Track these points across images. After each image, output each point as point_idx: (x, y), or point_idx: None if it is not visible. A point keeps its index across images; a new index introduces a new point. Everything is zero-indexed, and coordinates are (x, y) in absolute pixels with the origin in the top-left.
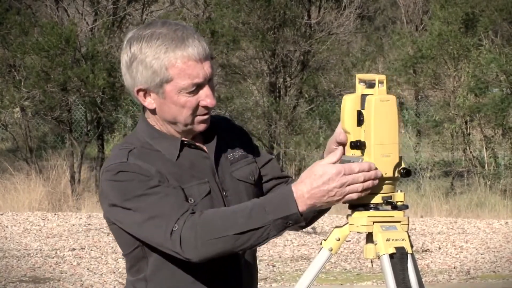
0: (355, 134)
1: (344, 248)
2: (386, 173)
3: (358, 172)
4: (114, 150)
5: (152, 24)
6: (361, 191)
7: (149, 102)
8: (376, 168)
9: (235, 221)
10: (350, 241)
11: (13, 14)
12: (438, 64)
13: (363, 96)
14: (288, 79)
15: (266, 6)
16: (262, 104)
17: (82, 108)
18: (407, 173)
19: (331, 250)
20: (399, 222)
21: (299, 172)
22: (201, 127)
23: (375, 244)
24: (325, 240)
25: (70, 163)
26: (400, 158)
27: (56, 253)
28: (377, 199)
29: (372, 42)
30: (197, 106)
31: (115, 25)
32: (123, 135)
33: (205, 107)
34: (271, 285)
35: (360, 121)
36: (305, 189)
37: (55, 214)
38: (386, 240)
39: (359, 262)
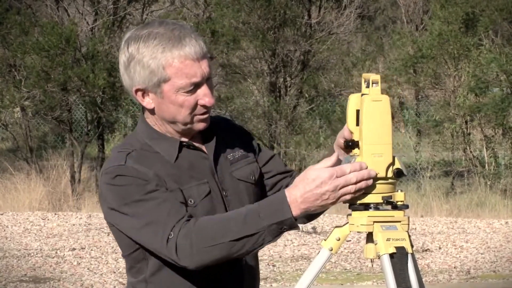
0: (356, 133)
1: (344, 248)
2: (378, 173)
3: (350, 173)
4: (113, 152)
5: (150, 24)
6: (354, 192)
7: (148, 102)
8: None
9: (229, 228)
10: (350, 240)
11: (13, 14)
12: (438, 64)
13: (362, 96)
14: (288, 79)
15: (267, 6)
16: (263, 104)
17: (83, 108)
18: (398, 173)
19: (331, 250)
20: (400, 222)
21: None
22: (200, 126)
23: (376, 244)
24: (325, 240)
25: (71, 163)
26: (394, 158)
27: (56, 253)
28: (377, 198)
29: (373, 42)
30: (196, 105)
31: (115, 25)
32: (123, 135)
33: (204, 106)
34: (271, 285)
35: (358, 120)
36: (298, 193)
37: (55, 214)
38: (387, 240)
39: (360, 262)
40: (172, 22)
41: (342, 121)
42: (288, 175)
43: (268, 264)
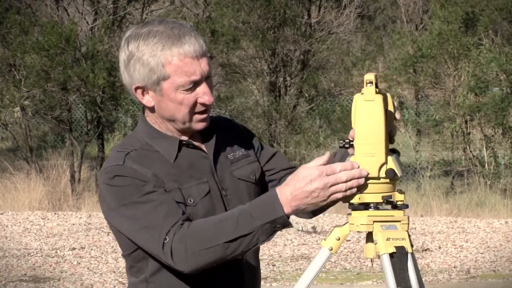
0: None
1: (344, 248)
2: (370, 173)
3: (340, 171)
4: (112, 152)
5: (150, 22)
6: (345, 191)
7: (147, 99)
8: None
9: (223, 230)
10: (350, 240)
11: (13, 13)
12: (438, 64)
13: (355, 95)
14: (288, 78)
15: (266, 5)
16: (262, 104)
17: (82, 107)
18: (389, 173)
19: (331, 249)
20: (399, 221)
21: None
22: (200, 125)
23: (375, 244)
24: (325, 240)
25: (70, 163)
26: (387, 158)
27: (56, 252)
28: (377, 198)
29: (372, 42)
30: (195, 103)
31: (115, 25)
32: (123, 135)
33: (203, 104)
34: (271, 285)
35: None
36: (288, 191)
37: (55, 213)
38: (386, 240)
39: (359, 261)
40: (172, 20)
41: (342, 120)
42: (293, 171)
43: (268, 263)
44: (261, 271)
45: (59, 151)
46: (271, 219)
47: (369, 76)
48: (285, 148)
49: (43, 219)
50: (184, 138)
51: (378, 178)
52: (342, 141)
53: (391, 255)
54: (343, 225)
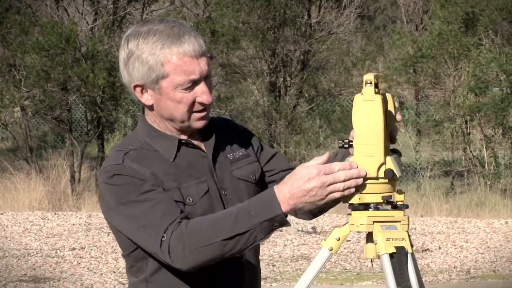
0: None
1: (344, 248)
2: (368, 174)
3: (339, 171)
4: (112, 151)
5: (150, 21)
6: (343, 190)
7: (146, 98)
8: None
9: (221, 228)
10: (350, 240)
11: (13, 13)
12: (438, 64)
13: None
14: (288, 78)
15: (266, 5)
16: (262, 104)
17: (82, 107)
18: (387, 173)
19: (331, 249)
20: (399, 221)
21: None
22: (199, 124)
23: (375, 244)
24: (325, 240)
25: (70, 163)
26: (386, 158)
27: (56, 252)
28: (377, 198)
29: (372, 42)
30: (194, 102)
31: (115, 25)
32: (123, 135)
33: (202, 103)
34: (271, 285)
35: None
36: (286, 189)
37: (55, 213)
38: (386, 240)
39: (359, 261)
40: (172, 20)
41: (342, 120)
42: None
43: (268, 264)
44: (261, 271)
45: (59, 151)
46: (269, 217)
47: (368, 77)
48: (285, 148)
49: (43, 219)
50: (184, 137)
51: (377, 178)
52: (341, 141)
53: (391, 255)
54: (343, 225)
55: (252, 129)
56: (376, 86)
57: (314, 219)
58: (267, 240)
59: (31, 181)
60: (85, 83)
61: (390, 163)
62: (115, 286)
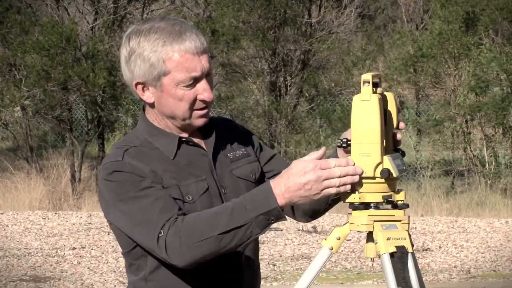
0: None
1: (345, 247)
2: (366, 173)
3: (335, 166)
4: (112, 148)
5: (151, 19)
6: (339, 186)
7: (148, 96)
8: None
9: (217, 222)
10: (350, 240)
11: (14, 13)
12: (438, 63)
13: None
14: (288, 78)
15: (267, 5)
16: (263, 103)
17: (83, 107)
18: (383, 173)
19: (332, 249)
20: (400, 221)
21: None
22: (200, 121)
23: (376, 243)
24: (325, 239)
25: (71, 162)
26: (383, 158)
27: (56, 252)
28: (378, 198)
29: (373, 41)
30: (195, 100)
31: (115, 24)
32: (123, 134)
33: (203, 101)
34: (271, 284)
35: None
36: (282, 183)
37: (56, 213)
38: (387, 239)
39: (360, 261)
40: (173, 18)
41: (342, 120)
42: None
43: (268, 263)
44: (262, 271)
45: (59, 150)
46: (265, 211)
47: (366, 76)
48: (285, 147)
49: (44, 218)
50: (184, 135)
51: (374, 177)
52: (339, 140)
53: (392, 255)
54: (344, 224)
55: (253, 129)
56: (377, 85)
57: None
58: (268, 239)
59: (31, 180)
60: (85, 83)
61: (387, 163)
62: (115, 286)
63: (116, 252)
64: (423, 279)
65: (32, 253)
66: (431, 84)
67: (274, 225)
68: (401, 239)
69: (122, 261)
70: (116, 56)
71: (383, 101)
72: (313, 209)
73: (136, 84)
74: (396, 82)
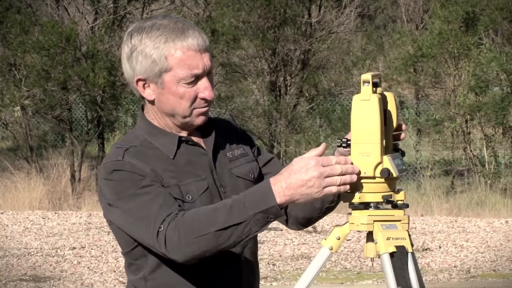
0: None
1: (345, 247)
2: (365, 173)
3: (336, 164)
4: (112, 148)
5: (154, 17)
6: (339, 185)
7: (148, 93)
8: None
9: (216, 219)
10: (350, 240)
11: (14, 13)
12: (438, 63)
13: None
14: (288, 78)
15: (267, 5)
16: (263, 103)
17: (83, 107)
18: (383, 173)
19: (332, 249)
20: (400, 221)
21: None
22: (199, 120)
23: (376, 243)
24: (325, 239)
25: (71, 162)
26: (383, 158)
27: (56, 252)
28: (378, 197)
29: (373, 41)
30: (196, 98)
31: (115, 24)
32: (123, 134)
33: (204, 99)
34: (271, 284)
35: None
36: (282, 179)
37: (56, 213)
38: (387, 239)
39: (360, 261)
40: (175, 16)
41: (342, 120)
42: None
43: (268, 263)
44: (262, 270)
45: (59, 150)
46: (263, 209)
47: (366, 76)
48: (285, 147)
49: (43, 218)
50: (183, 134)
51: (374, 177)
52: (339, 140)
53: (392, 255)
54: (343, 224)
55: (253, 129)
56: (377, 85)
57: None
58: (268, 239)
59: (31, 180)
60: (85, 83)
61: (387, 163)
62: (115, 286)
63: (116, 251)
64: (423, 279)
65: (32, 253)
66: (431, 84)
67: (274, 225)
68: (401, 239)
69: (122, 261)
70: (116, 56)
71: (383, 101)
72: (306, 217)
73: (137, 81)
74: (396, 82)
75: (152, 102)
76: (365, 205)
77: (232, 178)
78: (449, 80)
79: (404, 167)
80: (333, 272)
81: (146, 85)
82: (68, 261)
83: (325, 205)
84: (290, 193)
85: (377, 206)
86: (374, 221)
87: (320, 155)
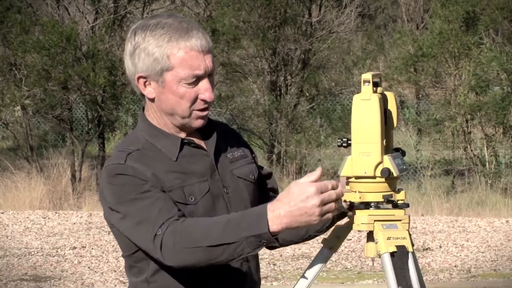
0: None
1: (345, 247)
2: (365, 172)
3: (331, 189)
4: (115, 150)
5: (159, 15)
6: (334, 209)
7: (149, 91)
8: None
9: (210, 233)
10: (351, 239)
11: (14, 12)
12: (439, 63)
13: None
14: (289, 77)
15: (267, 4)
16: (263, 103)
17: (83, 106)
18: (383, 172)
19: (332, 248)
20: (400, 220)
21: (300, 170)
22: (198, 123)
23: (376, 243)
24: (325, 239)
25: (71, 162)
26: (383, 157)
27: (57, 251)
28: (378, 197)
29: (373, 41)
30: (196, 98)
31: (116, 24)
32: (124, 134)
33: (204, 100)
34: (272, 284)
35: None
36: (281, 208)
37: (56, 212)
38: (387, 239)
39: (360, 260)
40: (180, 16)
41: (343, 119)
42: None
43: (268, 263)
44: (262, 270)
45: (59, 150)
46: (256, 234)
47: (366, 76)
48: (285, 147)
49: (44, 218)
50: (183, 135)
51: (374, 177)
52: (340, 140)
53: (392, 254)
54: (344, 224)
55: (253, 128)
56: (377, 84)
57: None
58: None
59: (31, 180)
60: (85, 82)
61: (388, 162)
62: (115, 285)
63: (117, 251)
64: (424, 278)
65: (33, 253)
66: (432, 83)
67: None
68: (402, 239)
69: (122, 261)
70: (116, 55)
71: (383, 100)
72: (287, 240)
73: (138, 78)
74: (397, 82)
75: (152, 100)
76: (366, 205)
77: (233, 179)
78: (450, 79)
79: (404, 167)
80: (333, 271)
81: (147, 83)
82: (69, 261)
83: (309, 233)
84: (288, 221)
85: (377, 205)
86: (375, 220)
87: (317, 181)
